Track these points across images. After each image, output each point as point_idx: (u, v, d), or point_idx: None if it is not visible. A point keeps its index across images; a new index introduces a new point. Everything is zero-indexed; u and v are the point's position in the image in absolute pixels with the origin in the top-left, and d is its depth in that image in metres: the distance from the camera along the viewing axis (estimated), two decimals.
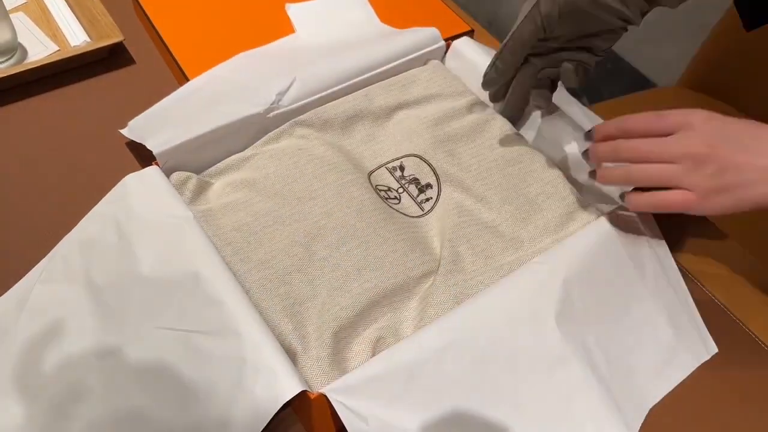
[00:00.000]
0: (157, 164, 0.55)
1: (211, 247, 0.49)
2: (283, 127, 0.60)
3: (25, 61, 0.69)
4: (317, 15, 0.72)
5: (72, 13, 0.74)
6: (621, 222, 0.55)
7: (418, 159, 0.60)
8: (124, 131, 0.61)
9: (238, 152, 0.60)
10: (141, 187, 0.52)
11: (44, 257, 0.52)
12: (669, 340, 0.52)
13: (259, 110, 0.59)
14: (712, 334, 0.53)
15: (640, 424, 0.48)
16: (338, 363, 0.47)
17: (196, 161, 0.58)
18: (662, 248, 0.56)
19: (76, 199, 0.55)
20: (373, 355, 0.48)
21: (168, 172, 0.55)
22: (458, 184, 0.59)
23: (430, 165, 0.60)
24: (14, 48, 0.69)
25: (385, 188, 0.59)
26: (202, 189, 0.56)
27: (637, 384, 0.49)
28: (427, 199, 0.59)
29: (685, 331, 0.53)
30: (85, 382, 0.45)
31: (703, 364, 0.52)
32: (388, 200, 0.58)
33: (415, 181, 0.59)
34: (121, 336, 0.46)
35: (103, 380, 0.45)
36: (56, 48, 0.71)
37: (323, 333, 0.48)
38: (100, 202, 0.52)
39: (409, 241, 0.54)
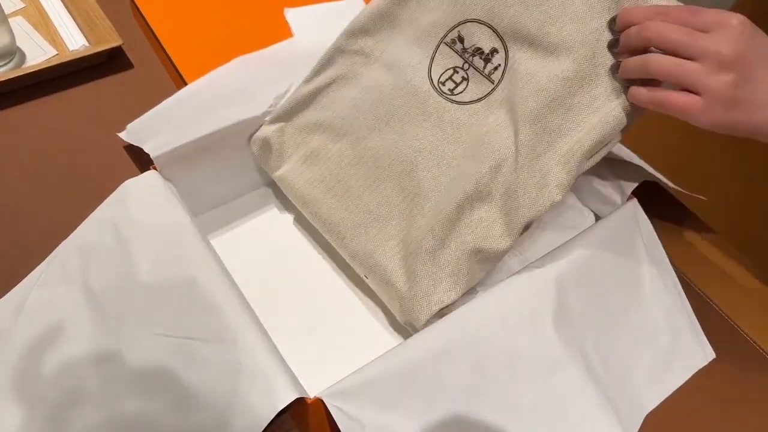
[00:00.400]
0: (155, 168, 0.55)
1: (209, 253, 0.49)
2: (330, 55, 0.59)
3: (24, 65, 0.69)
4: (316, 20, 0.72)
5: (70, 18, 0.74)
6: (618, 226, 0.55)
7: (476, 24, 0.55)
8: (122, 134, 0.61)
9: (235, 157, 0.60)
10: (140, 192, 0.52)
11: (43, 261, 0.52)
12: (667, 345, 0.52)
13: (257, 114, 0.59)
14: (709, 339, 0.53)
15: (637, 429, 0.48)
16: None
17: (194, 164, 0.58)
18: (659, 252, 0.56)
19: (75, 203, 0.55)
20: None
21: (166, 176, 0.56)
22: (526, 38, 0.52)
23: (490, 26, 0.54)
24: (13, 52, 0.69)
25: (451, 71, 0.55)
26: (281, 145, 0.59)
27: (634, 388, 0.49)
28: (495, 68, 0.54)
29: (683, 336, 0.53)
30: (82, 386, 0.45)
31: (700, 369, 0.52)
32: (453, 95, 0.55)
33: (478, 51, 0.54)
34: (118, 341, 0.46)
35: (100, 385, 0.45)
36: (55, 52, 0.71)
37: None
38: (98, 207, 0.52)
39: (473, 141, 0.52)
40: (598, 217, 0.60)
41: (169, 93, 0.63)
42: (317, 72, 0.59)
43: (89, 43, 0.71)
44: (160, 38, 0.70)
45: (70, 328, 0.47)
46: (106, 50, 0.69)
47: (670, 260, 0.56)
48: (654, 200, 0.61)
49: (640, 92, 0.48)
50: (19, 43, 0.70)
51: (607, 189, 0.59)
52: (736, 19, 0.46)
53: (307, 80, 0.59)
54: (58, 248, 0.52)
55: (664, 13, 0.48)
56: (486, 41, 0.54)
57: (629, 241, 0.54)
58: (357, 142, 0.57)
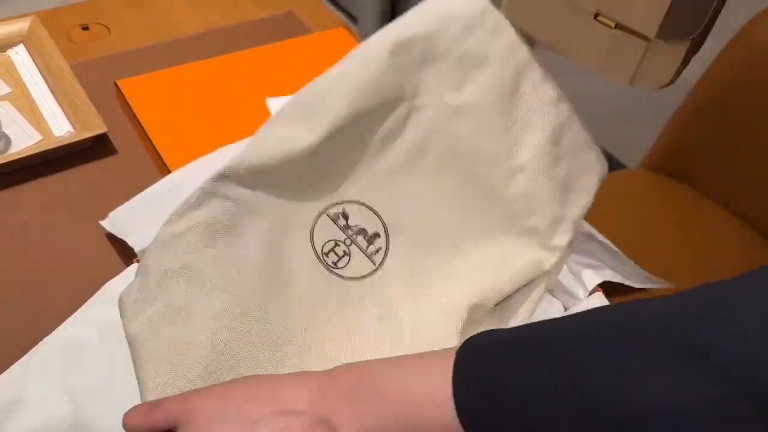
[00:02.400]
0: (137, 261, 0.57)
1: None
2: (206, 186, 0.53)
3: (10, 151, 0.71)
4: None
5: (57, 104, 0.75)
6: None
7: (361, 206, 0.55)
8: (104, 223, 0.62)
9: None
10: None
11: (23, 356, 0.52)
12: None
13: None
14: None
15: None
16: None
17: None
18: None
19: (57, 291, 0.56)
20: None
21: None
22: (407, 233, 0.55)
23: (374, 212, 0.55)
24: None
25: (332, 244, 0.55)
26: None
27: None
28: (377, 251, 0.55)
29: None
30: None
31: None
32: (336, 268, 0.54)
33: (362, 232, 0.55)
34: None
35: None
36: (40, 137, 0.72)
37: None
38: (83, 306, 0.53)
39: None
40: (564, 308, 0.63)
41: (152, 179, 0.65)
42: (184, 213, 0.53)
43: (74, 128, 0.73)
44: (144, 125, 0.72)
45: (49, 427, 0.48)
46: (91, 137, 0.70)
47: None
48: (621, 287, 0.64)
49: None
50: (5, 128, 0.72)
51: (570, 283, 0.61)
52: None
53: (171, 221, 0.53)
54: (39, 345, 0.52)
55: None
56: (371, 224, 0.55)
57: None
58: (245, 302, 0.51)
